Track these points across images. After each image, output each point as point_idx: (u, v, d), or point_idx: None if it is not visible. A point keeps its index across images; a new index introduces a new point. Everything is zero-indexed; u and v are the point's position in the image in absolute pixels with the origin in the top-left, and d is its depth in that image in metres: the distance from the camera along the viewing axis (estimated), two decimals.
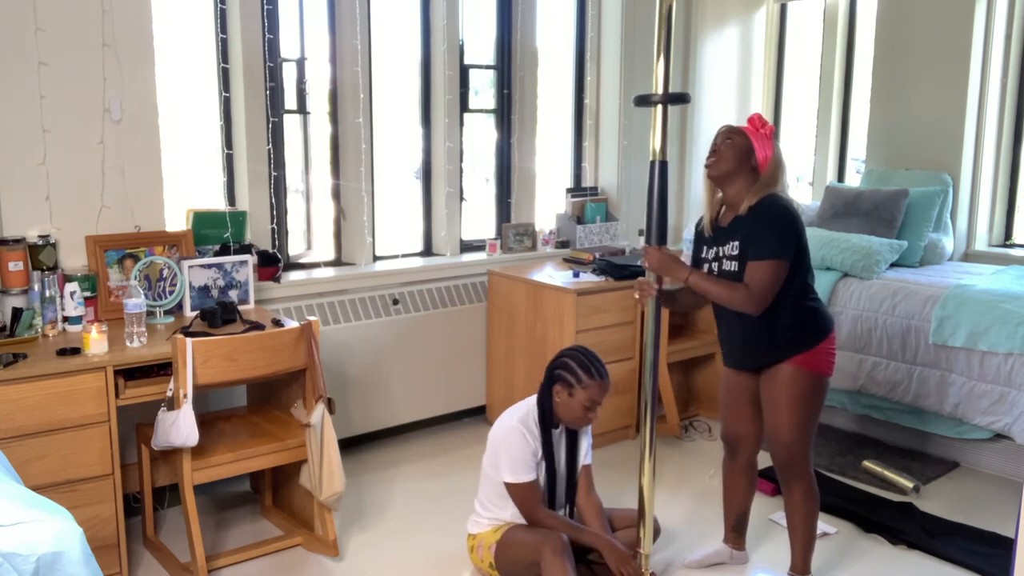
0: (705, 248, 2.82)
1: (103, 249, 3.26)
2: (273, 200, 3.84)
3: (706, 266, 2.80)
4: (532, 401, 2.83)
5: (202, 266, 3.40)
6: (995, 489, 3.75)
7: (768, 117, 5.68)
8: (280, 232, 3.95)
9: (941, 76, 4.66)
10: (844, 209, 4.58)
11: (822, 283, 4.21)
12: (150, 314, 3.26)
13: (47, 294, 3.01)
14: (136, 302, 2.92)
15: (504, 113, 4.71)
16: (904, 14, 4.79)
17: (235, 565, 3.07)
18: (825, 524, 3.37)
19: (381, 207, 4.28)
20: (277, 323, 3.21)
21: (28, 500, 1.75)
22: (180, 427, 2.73)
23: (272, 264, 3.77)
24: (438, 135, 4.41)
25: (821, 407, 2.81)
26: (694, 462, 4.05)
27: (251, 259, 3.56)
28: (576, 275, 4.21)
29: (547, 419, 2.78)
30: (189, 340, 2.75)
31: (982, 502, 3.62)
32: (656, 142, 2.52)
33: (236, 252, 3.57)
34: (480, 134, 4.71)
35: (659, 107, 2.49)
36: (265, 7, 3.68)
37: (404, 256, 4.42)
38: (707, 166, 2.72)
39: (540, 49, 4.76)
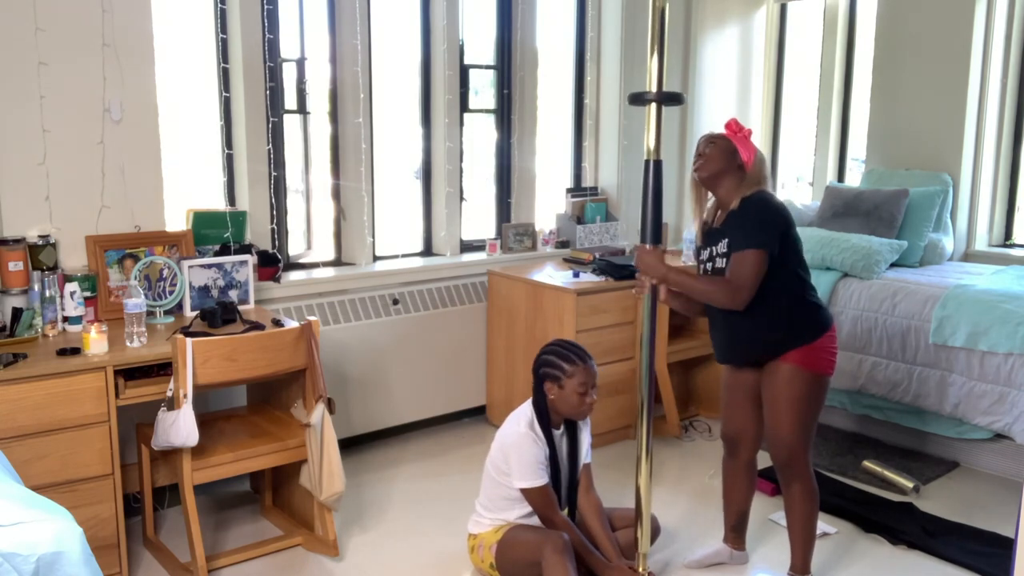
0: (701, 251, 2.85)
1: (103, 249, 3.26)
2: (273, 200, 3.84)
3: (702, 267, 2.82)
4: (530, 405, 2.84)
5: (202, 266, 3.40)
6: (995, 489, 3.75)
7: (768, 117, 5.70)
8: (280, 232, 3.95)
9: (941, 76, 4.66)
10: (844, 209, 4.58)
11: (822, 283, 4.21)
12: (150, 314, 3.26)
13: (47, 294, 3.01)
14: (136, 302, 2.92)
15: (504, 113, 4.71)
16: (904, 14, 4.79)
17: (235, 565, 3.07)
18: (825, 524, 3.37)
19: (381, 207, 4.28)
20: (277, 323, 3.21)
21: (28, 500, 1.75)
22: (180, 427, 2.73)
23: (272, 264, 3.77)
24: (438, 135, 4.41)
25: (821, 407, 2.81)
26: (694, 462, 4.05)
27: (251, 259, 3.56)
28: (576, 275, 4.21)
29: (546, 420, 2.78)
30: (189, 340, 2.75)
31: (982, 502, 3.62)
32: (650, 141, 2.52)
33: (236, 252, 3.57)
34: (480, 134, 4.71)
35: (653, 106, 2.50)
36: (265, 7, 3.68)
37: (404, 256, 4.42)
38: (695, 169, 2.77)
39: (540, 49, 4.76)
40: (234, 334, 2.94)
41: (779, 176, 5.81)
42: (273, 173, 3.83)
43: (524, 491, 2.73)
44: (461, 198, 4.54)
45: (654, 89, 2.47)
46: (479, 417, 4.55)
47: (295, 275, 3.93)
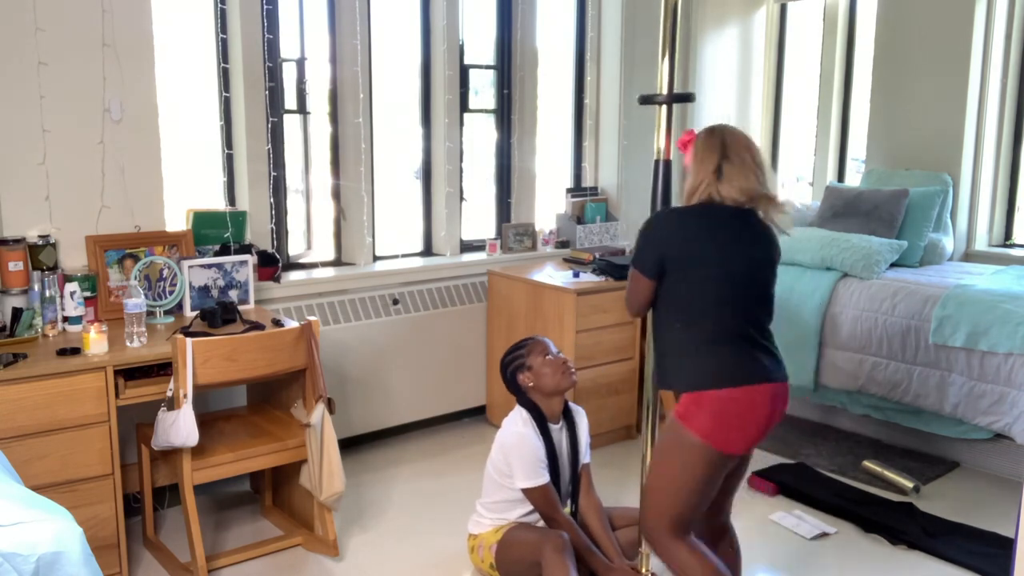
0: None
1: (103, 249, 3.26)
2: (273, 200, 3.84)
3: None
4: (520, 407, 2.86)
5: (202, 266, 3.40)
6: (995, 489, 3.75)
7: (768, 117, 5.70)
8: (280, 232, 3.95)
9: (941, 76, 4.66)
10: (844, 209, 4.58)
11: (822, 283, 4.21)
12: (150, 314, 3.26)
13: (47, 294, 3.01)
14: (136, 302, 2.92)
15: (504, 113, 4.70)
16: (904, 14, 4.79)
17: (235, 565, 3.07)
18: (825, 524, 3.37)
19: (381, 207, 4.28)
20: (277, 323, 3.21)
21: (28, 500, 1.75)
22: (180, 427, 2.73)
23: (272, 264, 3.77)
24: (438, 135, 4.41)
25: (692, 480, 2.23)
26: None
27: (251, 259, 3.56)
28: (576, 275, 4.21)
29: (539, 414, 2.80)
30: (189, 340, 2.75)
31: (982, 502, 3.62)
32: (661, 141, 2.52)
33: (236, 252, 3.57)
34: (480, 134, 4.71)
35: (663, 107, 2.50)
36: (265, 7, 3.68)
37: (404, 256, 4.42)
38: None
39: (540, 49, 4.76)
40: (234, 334, 2.94)
41: (779, 176, 5.81)
42: (273, 173, 3.83)
43: (526, 491, 2.74)
44: (461, 198, 4.54)
45: (665, 90, 2.48)
46: (479, 417, 4.55)
47: (295, 275, 3.93)
